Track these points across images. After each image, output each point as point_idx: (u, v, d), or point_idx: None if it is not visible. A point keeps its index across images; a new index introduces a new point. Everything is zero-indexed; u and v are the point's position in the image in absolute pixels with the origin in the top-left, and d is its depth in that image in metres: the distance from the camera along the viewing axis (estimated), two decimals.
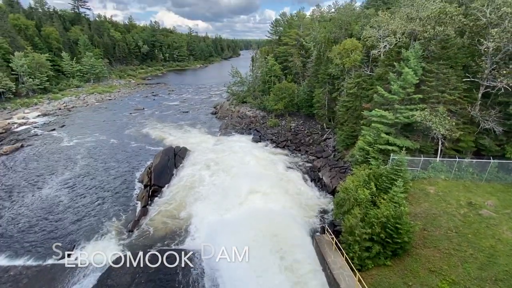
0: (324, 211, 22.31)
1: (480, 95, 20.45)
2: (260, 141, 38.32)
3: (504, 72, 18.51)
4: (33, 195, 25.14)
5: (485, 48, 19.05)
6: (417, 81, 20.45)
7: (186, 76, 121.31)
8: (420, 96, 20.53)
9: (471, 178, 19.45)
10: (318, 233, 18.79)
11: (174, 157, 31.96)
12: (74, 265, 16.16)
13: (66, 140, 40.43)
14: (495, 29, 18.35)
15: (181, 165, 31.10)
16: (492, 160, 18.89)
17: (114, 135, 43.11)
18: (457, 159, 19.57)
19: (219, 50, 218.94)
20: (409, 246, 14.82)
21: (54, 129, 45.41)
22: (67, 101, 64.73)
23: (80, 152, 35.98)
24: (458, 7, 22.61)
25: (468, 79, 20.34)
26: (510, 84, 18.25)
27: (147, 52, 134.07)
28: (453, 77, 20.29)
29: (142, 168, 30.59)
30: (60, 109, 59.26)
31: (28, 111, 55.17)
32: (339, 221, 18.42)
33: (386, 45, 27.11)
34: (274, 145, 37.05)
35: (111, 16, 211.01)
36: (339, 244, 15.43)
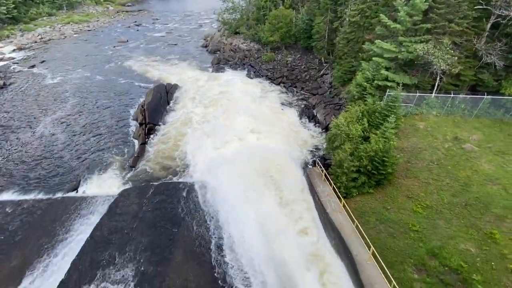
0: (316, 147, 23.29)
1: (489, 25, 19.10)
2: (255, 77, 36.95)
3: None
4: (28, 134, 25.20)
5: None
6: (426, 7, 18.69)
7: (171, 2, 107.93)
8: (428, 26, 19.07)
9: (462, 114, 19.86)
10: (309, 166, 20.04)
11: (166, 94, 31.13)
12: (83, 197, 17.46)
13: (49, 77, 38.28)
14: None
15: (173, 102, 30.57)
16: (485, 96, 18.97)
17: (100, 71, 40.74)
18: (452, 95, 19.58)
19: None
20: (392, 177, 16.12)
21: (34, 66, 42.42)
22: (42, 33, 58.67)
23: (67, 89, 34.54)
24: None
25: (480, 7, 18.63)
26: None
27: None
28: (465, 4, 18.54)
29: (134, 106, 30.07)
30: (36, 42, 54.17)
31: (1, 45, 50.38)
32: (329, 155, 19.44)
33: None
34: (269, 81, 35.90)
35: None
36: (328, 176, 16.66)
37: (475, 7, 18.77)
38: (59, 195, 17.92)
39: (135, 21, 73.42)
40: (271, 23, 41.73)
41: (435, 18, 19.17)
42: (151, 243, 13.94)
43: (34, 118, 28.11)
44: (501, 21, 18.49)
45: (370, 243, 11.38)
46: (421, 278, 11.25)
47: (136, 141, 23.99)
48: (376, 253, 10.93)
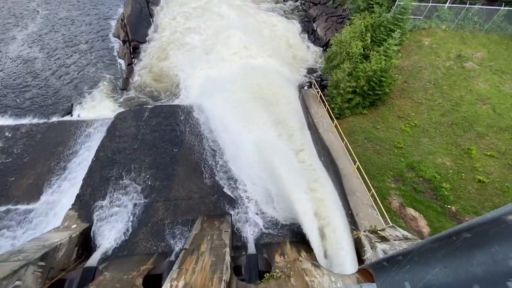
0: (313, 66, 22.31)
1: None
2: None
3: None
4: (2, 55, 23.13)
5: None
6: None
7: None
8: None
9: (473, 28, 18.44)
10: (305, 88, 19.72)
11: (147, 4, 27.30)
12: (79, 121, 17.56)
13: None
14: None
15: (156, 14, 27.15)
16: (502, 7, 17.21)
17: None
18: (467, 5, 17.69)
19: None
20: (387, 97, 16.20)
21: None
22: None
23: (31, 1, 29.81)
24: None
25: None
26: None
27: None
28: None
29: (112, 18, 26.77)
30: None
31: None
32: (326, 75, 18.87)
33: None
34: None
35: None
36: (323, 98, 16.63)
37: None
38: (54, 119, 17.92)
39: None
40: None
41: None
42: (154, 161, 14.93)
43: (3, 36, 25.19)
44: None
45: (356, 159, 12.41)
46: (396, 187, 12.83)
47: (122, 61, 22.45)
48: (360, 167, 12.07)
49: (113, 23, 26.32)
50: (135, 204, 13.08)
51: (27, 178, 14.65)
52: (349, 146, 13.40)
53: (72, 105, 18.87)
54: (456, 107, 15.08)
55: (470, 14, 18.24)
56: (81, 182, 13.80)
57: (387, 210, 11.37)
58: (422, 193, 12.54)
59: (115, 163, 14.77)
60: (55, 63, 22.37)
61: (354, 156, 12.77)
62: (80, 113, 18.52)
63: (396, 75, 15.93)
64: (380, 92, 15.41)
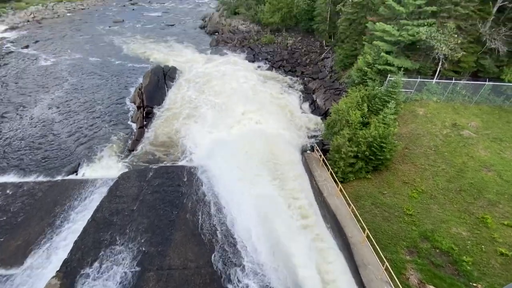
0: (315, 132, 23.31)
1: (495, 9, 18.62)
2: (254, 61, 36.23)
3: None
4: (25, 116, 24.97)
5: None
6: None
7: None
8: (434, 8, 18.57)
9: (462, 100, 19.79)
10: (307, 151, 20.17)
11: (164, 77, 30.61)
12: (83, 180, 17.61)
13: (43, 58, 37.36)
14: None
15: (172, 85, 30.13)
16: (487, 82, 18.84)
17: (95, 51, 39.76)
18: (453, 81, 19.42)
19: None
20: (389, 163, 16.30)
21: (27, 46, 41.25)
22: (34, 11, 56.60)
23: (62, 70, 33.85)
24: None
25: None
26: None
27: None
28: None
29: (131, 88, 29.66)
30: (28, 21, 52.37)
31: None
32: (328, 140, 19.51)
33: None
34: (269, 65, 35.26)
35: None
36: (325, 161, 16.82)
37: None
38: (59, 177, 18.05)
39: (131, 0, 70.83)
40: (272, 3, 40.38)
41: (441, 1, 18.62)
42: (151, 224, 14.26)
43: (30, 99, 27.73)
44: (508, 5, 18.01)
45: (364, 226, 11.71)
46: (412, 260, 11.69)
47: (134, 125, 23.86)
48: (370, 236, 11.28)
49: (132, 90, 29.07)
50: (125, 273, 11.92)
51: (17, 239, 13.87)
52: (356, 211, 12.83)
53: (79, 164, 19.26)
54: (461, 174, 14.95)
55: (458, 88, 19.86)
56: (72, 245, 12.95)
57: None
58: (441, 267, 11.33)
59: (111, 225, 14.11)
60: (72, 124, 23.85)
61: (363, 223, 12.09)
62: (85, 172, 18.73)
63: (396, 141, 16.41)
64: (382, 157, 15.60)
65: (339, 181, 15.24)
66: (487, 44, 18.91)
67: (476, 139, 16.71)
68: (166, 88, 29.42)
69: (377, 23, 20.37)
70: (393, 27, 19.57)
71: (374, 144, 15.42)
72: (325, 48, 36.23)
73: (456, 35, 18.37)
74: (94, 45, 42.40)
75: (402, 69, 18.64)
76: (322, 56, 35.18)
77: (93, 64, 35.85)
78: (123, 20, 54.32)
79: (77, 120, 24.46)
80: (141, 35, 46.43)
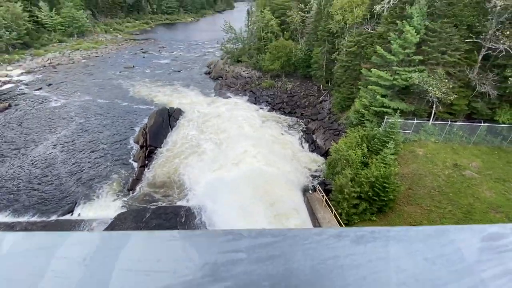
0: (316, 172, 23.22)
1: (480, 57, 20.06)
2: (255, 103, 37.85)
3: (508, 33, 17.92)
4: (28, 155, 25.23)
5: (492, 6, 18.10)
6: (418, 41, 19.76)
7: (177, 31, 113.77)
8: (420, 57, 20.03)
9: (460, 141, 20.10)
10: (309, 192, 19.83)
11: (169, 118, 31.66)
12: (79, 220, 17.04)
13: (54, 99, 39.17)
14: None
15: (176, 126, 31.00)
16: (482, 124, 19.35)
17: (105, 94, 41.83)
18: (449, 123, 19.97)
19: (211, 1, 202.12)
20: (394, 204, 15.91)
21: (40, 88, 43.61)
22: (51, 58, 61.08)
23: (70, 111, 35.21)
24: None
25: (471, 40, 19.72)
26: None
27: (133, 3, 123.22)
28: (456, 37, 19.63)
29: (136, 128, 30.45)
30: (44, 66, 56.18)
31: (10, 68, 52.26)
32: (330, 180, 19.32)
33: (390, 0, 25.43)
34: (269, 107, 36.74)
35: None
36: (328, 202, 16.43)
37: (466, 40, 19.85)
38: (54, 217, 17.51)
39: (142, 49, 76.84)
40: (272, 52, 43.68)
41: (428, 50, 20.17)
42: None
43: (35, 138, 28.32)
44: (492, 53, 19.45)
45: None
46: None
47: (135, 164, 23.94)
48: None
49: (137, 130, 29.84)
50: None
51: None
52: None
53: (76, 203, 18.84)
54: (469, 215, 14.47)
55: (454, 129, 20.35)
56: None
57: None
58: None
59: None
60: (74, 163, 23.95)
61: None
62: (81, 211, 18.23)
63: (399, 182, 16.24)
64: (385, 198, 15.29)
65: (343, 223, 14.69)
66: (477, 88, 19.92)
67: (479, 180, 16.54)
68: (170, 128, 30.23)
69: (372, 70, 21.77)
70: (386, 73, 20.87)
71: (377, 184, 15.24)
72: (323, 91, 38.11)
73: (446, 80, 19.48)
74: (103, 88, 44.80)
75: (398, 111, 19.36)
76: (320, 99, 36.81)
77: (101, 106, 37.42)
78: (133, 66, 58.23)
79: (80, 159, 24.63)
80: (149, 79, 49.32)
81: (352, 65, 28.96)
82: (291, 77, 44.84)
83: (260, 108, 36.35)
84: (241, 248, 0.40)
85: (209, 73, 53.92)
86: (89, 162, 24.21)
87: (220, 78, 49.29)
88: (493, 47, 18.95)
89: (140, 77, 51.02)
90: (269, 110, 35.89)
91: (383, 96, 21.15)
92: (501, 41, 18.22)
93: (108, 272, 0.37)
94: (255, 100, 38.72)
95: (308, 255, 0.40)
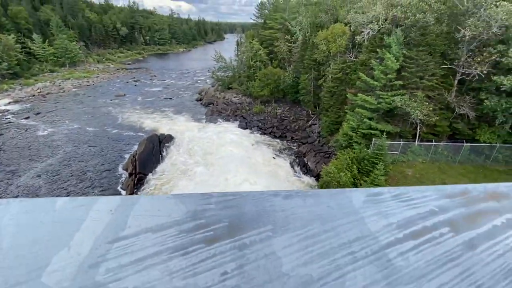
0: None
1: (456, 81, 21.42)
2: (246, 128, 38.37)
3: (478, 59, 19.40)
4: (9, 185, 24.16)
5: (461, 36, 19.76)
6: (398, 67, 21.06)
7: (168, 61, 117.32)
8: (401, 82, 21.21)
9: (446, 160, 20.70)
10: None
11: (159, 144, 31.49)
12: None
13: (42, 128, 38.58)
14: (471, 19, 19.04)
15: (166, 152, 30.75)
16: (465, 144, 20.13)
17: (95, 122, 41.59)
18: (434, 143, 20.68)
19: (202, 33, 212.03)
20: None
21: (28, 117, 43.05)
22: (41, 87, 61.14)
23: (58, 139, 34.58)
24: None
25: (445, 66, 21.17)
26: (483, 71, 19.21)
27: (126, 35, 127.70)
28: (431, 64, 21.05)
29: (126, 155, 29.99)
30: (34, 95, 55.98)
31: None
32: None
33: (369, 31, 27.40)
34: (260, 131, 37.26)
35: None
36: None
37: (441, 67, 21.30)
38: None
39: (134, 77, 78.25)
40: (261, 79, 45.35)
41: (407, 76, 21.46)
42: None
43: (19, 168, 27.35)
44: (466, 78, 20.84)
45: None
46: None
47: (124, 192, 23.25)
48: None
49: (127, 157, 29.36)
50: None
51: None
52: None
53: None
54: None
55: (440, 149, 21.03)
56: None
57: None
58: None
59: None
60: (58, 193, 23.02)
61: None
62: None
63: None
64: None
65: None
66: (456, 110, 21.01)
67: None
68: (160, 155, 29.92)
69: (358, 95, 22.79)
70: (371, 97, 21.86)
71: None
72: (312, 116, 39.21)
73: (427, 103, 20.53)
74: (93, 116, 44.66)
75: (385, 132, 20.02)
76: (310, 122, 37.75)
77: (90, 134, 37.02)
78: (124, 94, 58.80)
79: (65, 189, 23.76)
80: (140, 107, 49.66)
81: (338, 90, 30.26)
82: (281, 103, 46.18)
83: (251, 133, 36.81)
84: (211, 202, 0.65)
85: (200, 99, 54.95)
86: (74, 191, 23.36)
87: (211, 104, 50.20)
88: (466, 72, 20.36)
89: (131, 104, 51.35)
90: (260, 134, 36.35)
91: (370, 118, 21.94)
92: (473, 67, 19.64)
93: (126, 217, 0.60)
94: (246, 125, 39.30)
95: (254, 205, 0.66)
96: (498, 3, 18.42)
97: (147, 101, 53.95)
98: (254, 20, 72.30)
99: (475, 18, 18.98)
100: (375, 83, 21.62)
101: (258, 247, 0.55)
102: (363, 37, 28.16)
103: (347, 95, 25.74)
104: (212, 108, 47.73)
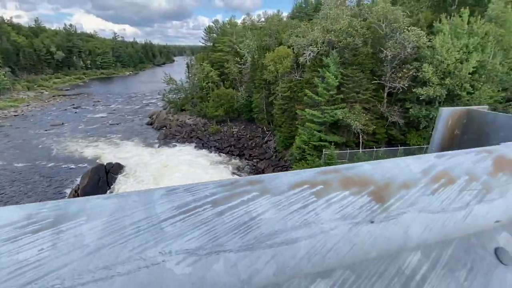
0: None
1: (385, 94, 24.60)
2: (203, 149, 37.70)
3: (400, 75, 22.73)
4: None
5: (384, 55, 23.05)
6: (338, 84, 23.40)
7: (114, 85, 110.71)
8: (341, 96, 23.52)
9: None
10: None
11: (106, 175, 28.80)
12: None
13: None
14: (390, 41, 22.45)
15: (115, 183, 28.23)
16: (399, 147, 22.88)
17: (25, 157, 36.33)
18: (375, 149, 23.05)
19: (150, 56, 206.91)
20: None
21: None
22: None
23: None
24: (362, 21, 26.78)
25: (376, 81, 24.25)
26: (405, 85, 22.51)
27: (63, 59, 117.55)
28: (364, 80, 23.92)
29: (67, 190, 26.64)
30: None
31: None
32: None
33: (310, 53, 30.11)
34: (218, 151, 36.94)
35: (11, 17, 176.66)
36: None
37: (373, 82, 24.32)
38: None
39: (73, 104, 71.58)
40: (215, 100, 45.69)
41: (346, 91, 23.93)
42: None
43: None
44: (393, 91, 24.09)
45: None
46: None
47: None
48: None
49: (68, 191, 26.03)
50: None
51: None
52: None
53: None
54: None
55: (380, 154, 23.50)
56: None
57: None
58: None
59: None
60: None
61: None
62: None
63: None
64: None
65: None
66: (389, 119, 23.97)
67: None
68: (108, 186, 27.31)
69: (306, 110, 24.46)
70: (317, 112, 23.67)
71: None
72: (267, 132, 40.51)
73: (364, 114, 23.03)
74: (22, 150, 39.07)
75: (333, 143, 21.69)
76: (265, 139, 38.86)
77: (18, 171, 32.13)
78: (62, 123, 53.12)
79: None
80: (82, 135, 45.24)
81: (288, 107, 32.08)
82: (236, 122, 46.82)
83: (209, 153, 36.24)
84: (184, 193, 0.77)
85: (151, 123, 52.52)
86: None
87: (164, 128, 48.33)
88: (392, 86, 23.61)
89: (71, 133, 46.47)
90: (218, 154, 35.98)
91: (319, 131, 23.61)
92: (397, 81, 22.91)
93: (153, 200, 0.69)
94: (203, 145, 38.63)
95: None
96: (409, 28, 22.16)
97: (90, 129, 49.49)
98: (203, 43, 73.57)
99: (393, 40, 22.45)
100: (320, 98, 23.56)
101: None
102: (305, 58, 30.75)
103: (297, 111, 27.42)
104: (165, 131, 45.92)
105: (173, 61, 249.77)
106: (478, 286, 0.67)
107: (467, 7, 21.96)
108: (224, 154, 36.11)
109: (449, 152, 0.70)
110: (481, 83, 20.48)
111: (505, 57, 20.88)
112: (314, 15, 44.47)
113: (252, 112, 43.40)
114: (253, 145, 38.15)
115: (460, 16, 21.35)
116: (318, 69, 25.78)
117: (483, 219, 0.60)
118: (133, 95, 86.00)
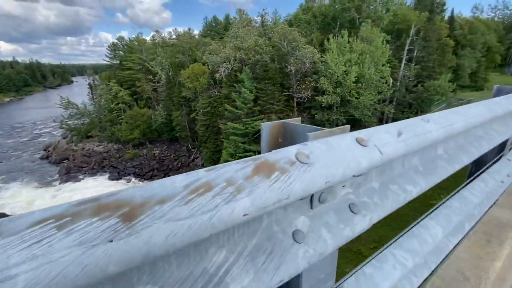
0: None
1: (295, 103, 27.67)
2: (120, 178, 33.57)
3: (303, 86, 26.07)
4: None
5: (289, 70, 26.06)
6: (254, 97, 25.00)
7: None
8: (258, 108, 25.19)
9: None
10: None
11: None
12: None
13: None
14: (292, 58, 25.61)
15: None
16: None
17: None
18: None
19: (39, 77, 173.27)
20: None
21: None
22: None
23: None
24: (267, 40, 29.69)
25: (286, 93, 27.06)
26: (309, 95, 25.91)
27: None
28: (276, 92, 26.35)
29: None
30: None
31: None
32: None
33: (225, 70, 31.26)
34: (139, 178, 33.56)
35: None
36: None
37: (283, 94, 27.00)
38: None
39: None
40: (128, 122, 41.67)
41: (262, 103, 25.78)
42: None
43: None
44: (301, 101, 27.31)
45: None
46: None
47: None
48: None
49: None
50: None
51: None
52: None
53: None
54: None
55: None
56: None
57: None
58: None
59: None
60: None
61: None
62: None
63: None
64: None
65: None
66: None
67: None
68: None
69: (228, 123, 25.01)
70: (239, 125, 24.57)
71: None
72: (192, 150, 39.34)
73: None
74: None
75: (257, 152, 22.84)
76: (192, 157, 37.64)
77: None
78: None
79: None
80: None
81: (211, 122, 32.16)
82: (157, 143, 43.71)
83: (128, 182, 32.50)
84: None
85: (47, 157, 43.57)
86: None
87: (66, 160, 40.82)
88: (299, 96, 26.80)
89: None
90: (139, 181, 32.62)
91: (243, 143, 24.48)
92: (302, 92, 26.16)
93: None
94: (119, 174, 34.41)
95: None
96: (305, 46, 25.80)
97: None
98: (107, 61, 66.51)
99: (294, 57, 25.66)
100: (239, 111, 24.59)
101: None
102: (220, 75, 31.70)
103: (220, 125, 27.77)
104: (67, 164, 38.77)
105: (72, 82, 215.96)
106: (274, 264, 0.77)
107: (346, 29, 27.28)
108: (147, 180, 33.05)
109: (220, 165, 0.77)
110: (363, 90, 25.52)
111: (376, 68, 26.65)
112: (225, 34, 46.50)
113: (174, 130, 41.45)
114: (179, 165, 36.38)
115: (342, 37, 26.29)
116: (234, 84, 26.97)
117: (229, 216, 0.67)
118: (18, 125, 69.81)
